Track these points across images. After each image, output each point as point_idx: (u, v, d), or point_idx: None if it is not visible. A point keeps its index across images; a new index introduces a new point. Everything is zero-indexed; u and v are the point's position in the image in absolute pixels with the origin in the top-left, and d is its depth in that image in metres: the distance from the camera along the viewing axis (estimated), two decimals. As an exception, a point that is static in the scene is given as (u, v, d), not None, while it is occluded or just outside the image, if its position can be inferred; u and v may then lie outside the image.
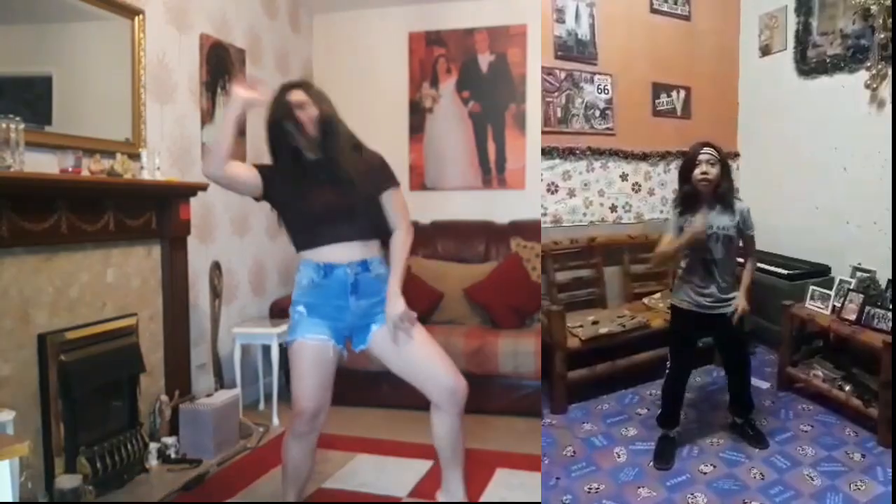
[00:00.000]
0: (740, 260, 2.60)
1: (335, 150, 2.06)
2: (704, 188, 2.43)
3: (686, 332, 2.60)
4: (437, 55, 4.71)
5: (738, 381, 2.68)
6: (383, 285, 2.11)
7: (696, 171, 2.42)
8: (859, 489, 2.33)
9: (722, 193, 2.44)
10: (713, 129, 4.09)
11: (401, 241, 2.15)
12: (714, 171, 2.41)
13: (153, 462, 2.86)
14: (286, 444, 2.19)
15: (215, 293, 3.46)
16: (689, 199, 2.46)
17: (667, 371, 2.63)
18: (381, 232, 2.15)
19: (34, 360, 2.47)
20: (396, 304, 2.07)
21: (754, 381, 3.01)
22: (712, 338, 2.76)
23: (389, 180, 2.14)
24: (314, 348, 2.06)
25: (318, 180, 2.06)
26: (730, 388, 2.73)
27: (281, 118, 2.03)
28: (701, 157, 2.42)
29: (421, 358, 2.11)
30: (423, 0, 4.63)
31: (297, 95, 2.03)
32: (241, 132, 3.98)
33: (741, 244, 2.56)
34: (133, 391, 2.92)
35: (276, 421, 3.57)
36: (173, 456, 2.93)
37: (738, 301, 2.50)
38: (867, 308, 2.82)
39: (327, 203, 2.03)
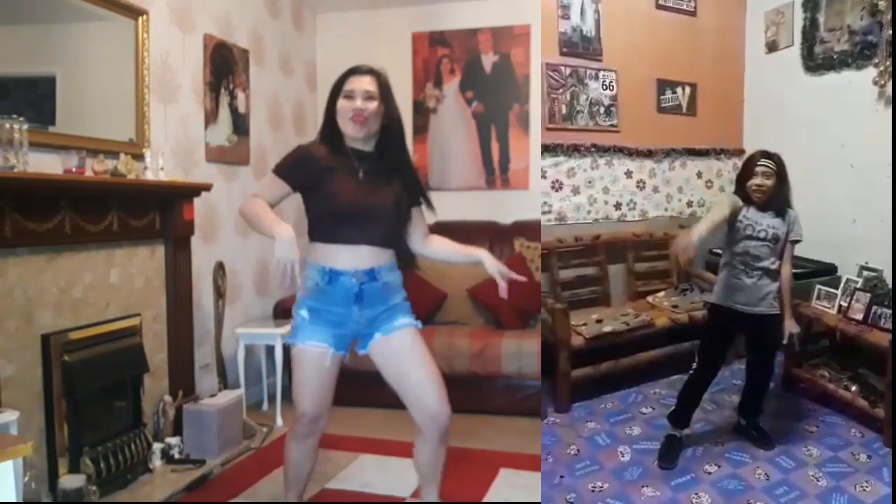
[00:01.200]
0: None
1: (392, 152, 1.99)
2: (758, 199, 2.44)
3: (721, 329, 2.56)
4: (440, 55, 4.71)
5: (757, 385, 2.66)
6: (391, 294, 2.03)
7: (752, 182, 2.43)
8: (865, 490, 2.31)
9: (776, 204, 2.45)
10: (719, 126, 4.08)
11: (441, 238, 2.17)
12: (769, 184, 2.42)
13: (157, 462, 2.86)
14: (287, 443, 2.18)
15: (219, 293, 3.46)
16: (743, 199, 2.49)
17: (691, 370, 2.60)
18: (396, 242, 2.08)
19: (38, 360, 2.47)
20: (491, 260, 2.02)
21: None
22: (745, 337, 2.69)
23: (423, 194, 2.11)
24: (314, 355, 2.00)
25: (355, 174, 1.96)
26: (746, 390, 2.71)
27: (339, 98, 1.95)
28: (758, 168, 2.43)
29: (416, 379, 2.01)
30: (427, 0, 4.63)
31: (365, 83, 1.94)
32: (244, 132, 3.99)
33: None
34: (137, 391, 2.92)
35: (279, 421, 3.58)
36: (177, 456, 2.93)
37: (787, 324, 2.51)
38: (874, 307, 2.79)
39: (358, 200, 1.94)
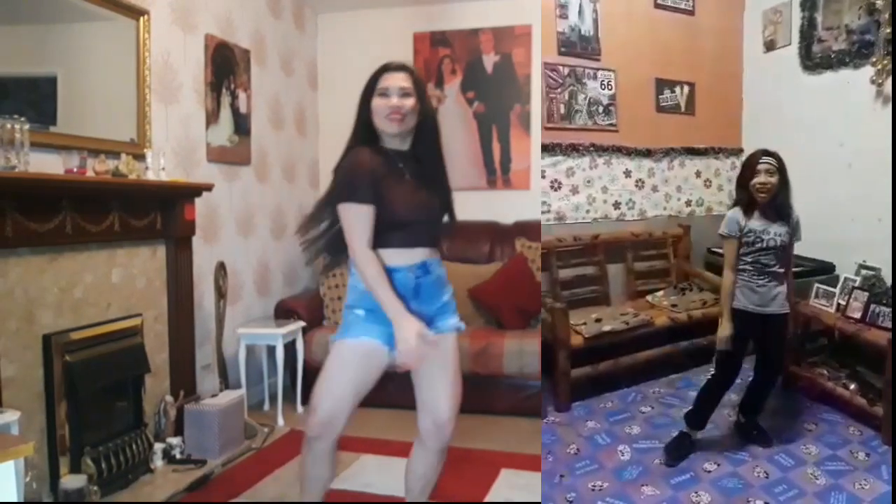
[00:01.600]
0: None
1: (431, 149, 1.94)
2: (762, 199, 2.44)
3: (736, 331, 2.53)
4: (441, 55, 4.71)
5: (764, 385, 2.66)
6: (443, 288, 1.97)
7: (755, 181, 2.43)
8: (863, 488, 2.32)
9: (780, 204, 2.45)
10: (717, 125, 4.09)
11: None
12: (772, 181, 2.42)
13: (158, 462, 2.87)
14: (302, 453, 2.09)
15: (220, 293, 3.47)
16: (745, 204, 2.48)
17: (710, 376, 2.59)
18: (440, 238, 2.03)
19: (39, 360, 2.48)
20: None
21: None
22: (754, 338, 2.66)
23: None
24: (358, 348, 1.89)
25: (402, 177, 1.89)
26: (751, 388, 2.70)
27: (373, 97, 1.87)
28: (760, 166, 2.43)
29: (441, 383, 1.96)
30: (428, 0, 4.64)
31: (399, 80, 1.87)
32: (246, 132, 4.00)
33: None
34: (138, 391, 2.93)
35: (280, 421, 3.59)
36: (178, 456, 2.94)
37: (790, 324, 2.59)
38: (872, 306, 2.80)
39: (413, 206, 1.88)
